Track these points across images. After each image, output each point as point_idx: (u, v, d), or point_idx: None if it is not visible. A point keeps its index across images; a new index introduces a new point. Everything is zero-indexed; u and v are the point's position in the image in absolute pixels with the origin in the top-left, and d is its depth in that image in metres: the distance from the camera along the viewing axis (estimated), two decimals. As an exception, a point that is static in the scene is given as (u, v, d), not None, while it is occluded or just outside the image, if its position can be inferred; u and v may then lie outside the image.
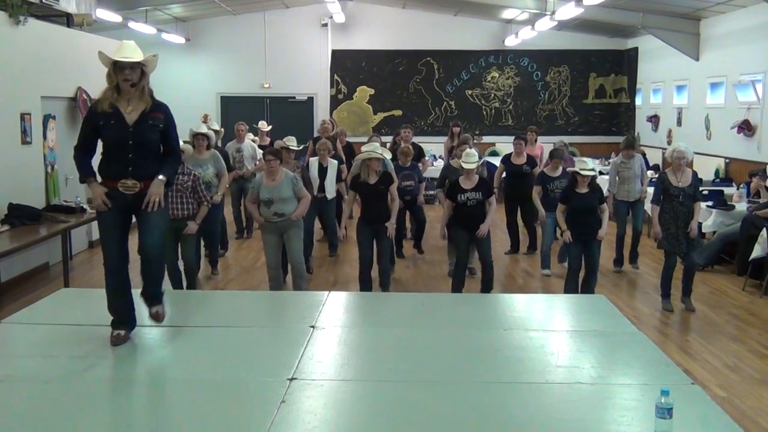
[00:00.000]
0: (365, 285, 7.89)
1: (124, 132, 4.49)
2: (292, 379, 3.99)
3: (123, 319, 4.71)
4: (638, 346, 4.70)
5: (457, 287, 7.97)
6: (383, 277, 7.95)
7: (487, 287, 7.92)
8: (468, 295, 7.62)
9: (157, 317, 4.80)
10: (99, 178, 4.64)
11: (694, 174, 7.90)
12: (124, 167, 4.53)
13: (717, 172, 12.42)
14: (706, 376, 6.05)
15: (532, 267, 9.97)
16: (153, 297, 4.83)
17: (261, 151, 10.86)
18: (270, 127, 12.92)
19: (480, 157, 8.00)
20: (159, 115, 4.59)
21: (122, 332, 4.66)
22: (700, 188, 8.18)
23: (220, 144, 10.42)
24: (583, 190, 7.72)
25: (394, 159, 9.89)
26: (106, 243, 4.66)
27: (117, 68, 4.47)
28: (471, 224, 7.77)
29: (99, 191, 4.56)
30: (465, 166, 7.79)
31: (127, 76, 4.45)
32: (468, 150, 8.11)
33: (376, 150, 7.82)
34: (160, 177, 4.59)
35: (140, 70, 4.49)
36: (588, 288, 7.71)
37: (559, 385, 4.03)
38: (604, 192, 8.32)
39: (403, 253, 10.41)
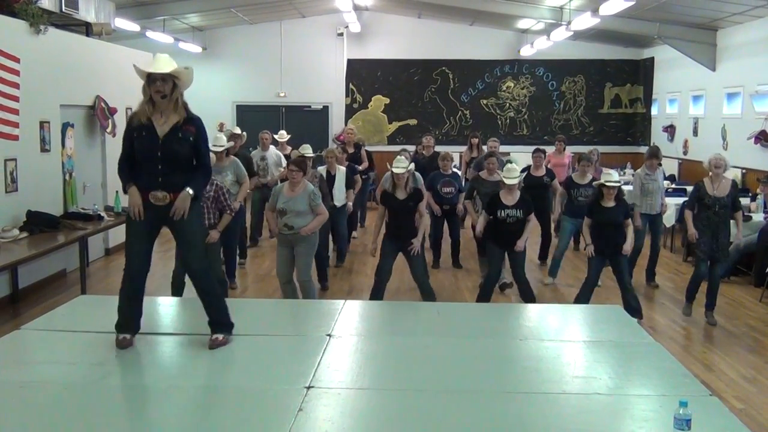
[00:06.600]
0: (375, 299, 7.69)
1: (154, 144, 4.56)
2: (309, 388, 4.00)
3: (128, 323, 4.78)
4: (655, 356, 4.68)
5: (483, 301, 7.81)
6: (427, 296, 7.62)
7: (525, 301, 7.75)
8: (483, 304, 7.59)
9: (212, 344, 4.71)
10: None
11: (733, 183, 7.84)
12: (154, 178, 4.59)
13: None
14: (723, 387, 6.02)
15: (547, 277, 9.94)
16: (216, 323, 4.81)
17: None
18: (289, 136, 12.96)
19: (522, 171, 7.90)
20: (190, 128, 4.64)
21: (128, 336, 4.73)
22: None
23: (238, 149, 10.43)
24: (610, 203, 7.59)
25: (423, 170, 9.87)
26: (130, 251, 4.74)
27: (149, 80, 4.55)
28: (508, 241, 7.66)
29: (137, 199, 4.61)
30: (507, 182, 7.68)
31: (159, 88, 4.52)
32: (509, 165, 7.90)
33: (400, 163, 7.63)
34: (188, 190, 4.63)
35: (172, 82, 4.56)
36: (630, 308, 7.21)
37: (576, 395, 4.02)
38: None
39: (440, 264, 10.39)
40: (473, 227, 9.32)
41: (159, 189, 4.59)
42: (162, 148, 4.56)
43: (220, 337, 4.75)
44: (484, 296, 7.87)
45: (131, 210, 4.64)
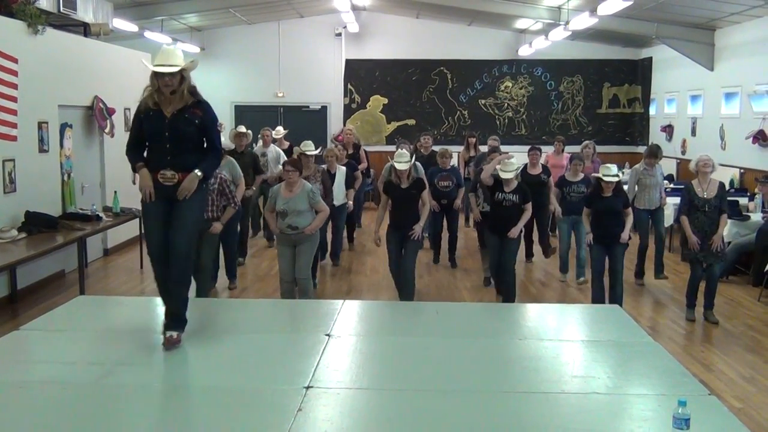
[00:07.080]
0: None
1: (161, 124, 4.62)
2: (308, 388, 4.01)
3: (168, 316, 4.78)
4: (654, 356, 4.68)
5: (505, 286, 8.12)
6: (406, 289, 7.71)
7: (504, 296, 7.84)
8: (482, 304, 7.61)
9: (168, 342, 4.67)
10: None
11: (721, 185, 7.85)
12: (163, 157, 4.66)
13: (732, 183, 12.36)
14: (721, 386, 6.02)
15: (546, 276, 9.95)
16: (173, 316, 4.78)
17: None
18: (286, 131, 12.90)
19: (518, 167, 8.05)
20: (197, 112, 4.70)
21: (174, 334, 4.70)
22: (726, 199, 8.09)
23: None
24: (608, 194, 7.76)
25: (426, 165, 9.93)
26: (149, 232, 4.80)
27: (157, 74, 4.59)
28: (503, 226, 7.75)
29: (147, 180, 4.67)
30: (503, 175, 7.75)
31: (167, 83, 4.58)
32: (506, 161, 7.96)
33: (402, 158, 7.74)
34: (197, 171, 4.68)
35: (180, 75, 4.61)
36: (615, 297, 7.62)
37: (575, 395, 4.02)
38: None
39: (439, 259, 10.48)
40: (476, 223, 9.35)
41: (168, 168, 4.64)
42: (169, 127, 4.62)
43: (175, 335, 4.71)
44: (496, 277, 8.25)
45: (142, 192, 4.69)
